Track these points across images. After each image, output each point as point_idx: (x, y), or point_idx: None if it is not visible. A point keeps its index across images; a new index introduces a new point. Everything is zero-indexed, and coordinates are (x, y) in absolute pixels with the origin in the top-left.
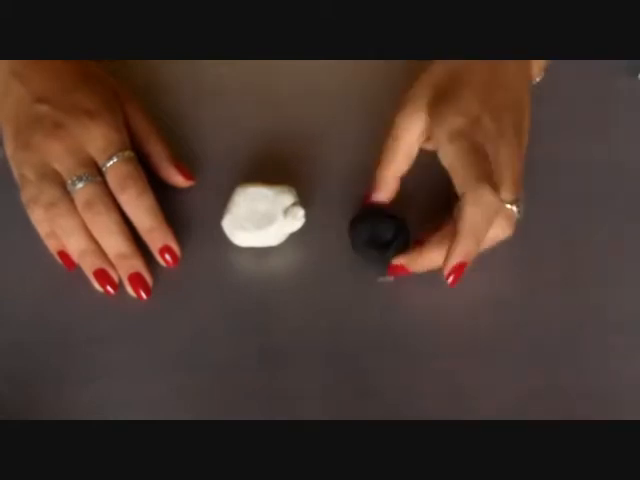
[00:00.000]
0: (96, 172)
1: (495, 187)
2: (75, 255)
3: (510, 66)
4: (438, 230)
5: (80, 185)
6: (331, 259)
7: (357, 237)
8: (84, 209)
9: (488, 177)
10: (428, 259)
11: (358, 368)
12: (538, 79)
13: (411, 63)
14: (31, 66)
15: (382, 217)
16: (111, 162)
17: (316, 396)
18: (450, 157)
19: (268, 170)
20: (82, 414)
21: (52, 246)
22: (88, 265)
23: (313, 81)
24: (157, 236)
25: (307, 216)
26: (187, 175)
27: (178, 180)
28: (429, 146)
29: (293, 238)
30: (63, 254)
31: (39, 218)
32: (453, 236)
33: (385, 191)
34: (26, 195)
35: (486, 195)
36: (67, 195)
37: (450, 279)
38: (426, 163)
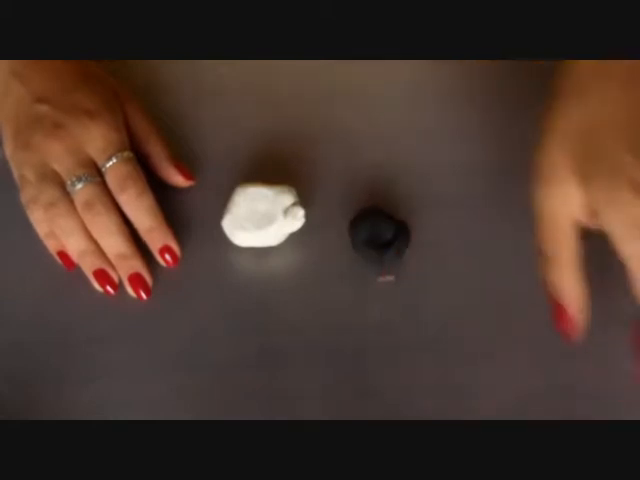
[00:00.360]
0: (95, 172)
1: None
2: (75, 255)
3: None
4: None
5: (79, 185)
6: (331, 259)
7: (357, 237)
8: (83, 209)
9: None
10: None
11: (358, 368)
12: None
13: (411, 63)
14: (31, 66)
15: (382, 217)
16: (110, 162)
17: (316, 396)
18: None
19: (268, 170)
20: (82, 414)
21: (52, 246)
22: (88, 265)
23: (313, 81)
24: (157, 236)
25: (307, 216)
26: (187, 175)
27: (178, 180)
28: (595, 222)
29: (293, 238)
30: (63, 254)
31: (38, 218)
32: None
33: (575, 302)
34: (25, 196)
35: None
36: (66, 195)
37: None
38: (426, 162)
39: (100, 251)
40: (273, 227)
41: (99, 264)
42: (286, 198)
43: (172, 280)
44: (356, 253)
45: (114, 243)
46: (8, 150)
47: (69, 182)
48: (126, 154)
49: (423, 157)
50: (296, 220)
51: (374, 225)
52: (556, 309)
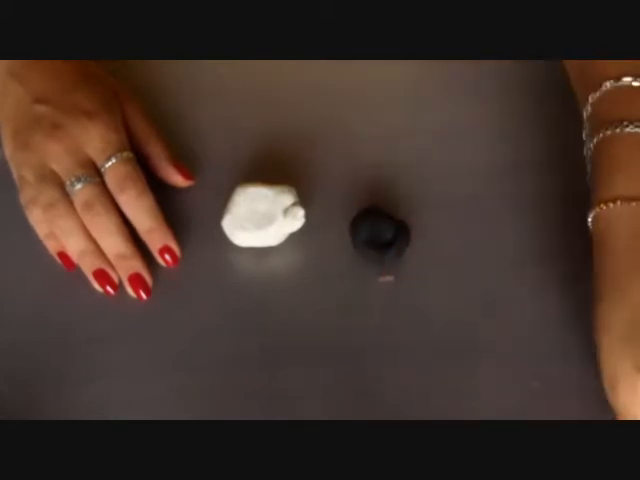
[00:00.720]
0: (95, 173)
1: None
2: (74, 256)
3: None
4: None
5: (79, 186)
6: (331, 259)
7: (357, 237)
8: (83, 210)
9: None
10: None
11: (358, 368)
12: None
13: (411, 63)
14: (30, 66)
15: (382, 217)
16: (110, 163)
17: (316, 396)
18: None
19: (268, 170)
20: (82, 414)
21: (51, 247)
22: (88, 265)
23: (313, 81)
24: (157, 236)
25: (307, 216)
26: (186, 175)
27: (177, 180)
28: None
29: (293, 238)
30: (62, 255)
31: (38, 219)
32: None
33: None
34: (25, 196)
35: None
36: (66, 196)
37: None
38: (426, 162)
39: (100, 251)
40: (273, 227)
41: (99, 264)
42: (286, 198)
43: (172, 280)
44: (356, 253)
45: (114, 243)
46: (7, 150)
47: (68, 182)
48: (125, 154)
49: (423, 157)
50: (296, 220)
51: (374, 225)
52: None
